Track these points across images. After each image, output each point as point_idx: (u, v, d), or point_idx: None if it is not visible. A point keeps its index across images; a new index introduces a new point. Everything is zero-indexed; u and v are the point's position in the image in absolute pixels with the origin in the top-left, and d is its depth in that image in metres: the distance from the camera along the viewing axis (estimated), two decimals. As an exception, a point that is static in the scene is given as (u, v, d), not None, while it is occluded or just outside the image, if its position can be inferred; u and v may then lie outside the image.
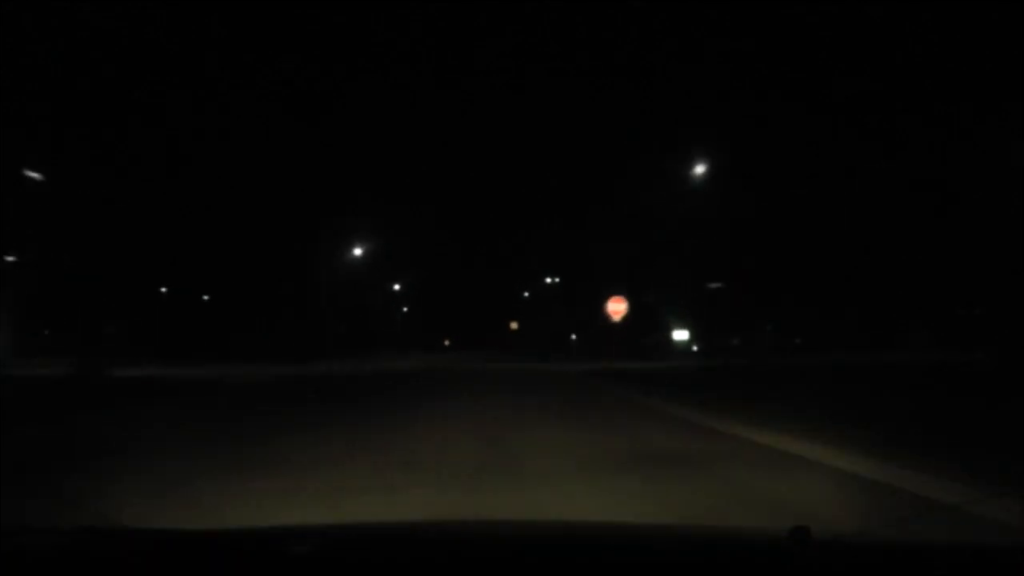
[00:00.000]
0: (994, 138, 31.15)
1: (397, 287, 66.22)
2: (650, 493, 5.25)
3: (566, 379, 21.79)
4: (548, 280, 62.63)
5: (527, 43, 66.42)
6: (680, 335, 72.36)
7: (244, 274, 51.02)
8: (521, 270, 71.82)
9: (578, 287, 58.53)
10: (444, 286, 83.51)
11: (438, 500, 5.02)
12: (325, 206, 51.09)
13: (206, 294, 60.82)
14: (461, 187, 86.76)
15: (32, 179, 26.79)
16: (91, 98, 42.20)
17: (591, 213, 59.81)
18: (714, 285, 35.14)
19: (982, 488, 5.09)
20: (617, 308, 28.89)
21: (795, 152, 47.19)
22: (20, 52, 29.82)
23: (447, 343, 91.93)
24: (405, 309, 78.21)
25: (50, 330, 55.72)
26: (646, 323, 50.22)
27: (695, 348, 68.37)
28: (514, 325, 40.17)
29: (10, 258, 31.18)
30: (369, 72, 66.49)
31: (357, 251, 40.28)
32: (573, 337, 68.55)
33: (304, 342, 41.67)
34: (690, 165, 26.38)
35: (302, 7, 55.02)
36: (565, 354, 52.57)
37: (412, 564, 1.65)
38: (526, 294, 72.76)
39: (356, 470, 6.30)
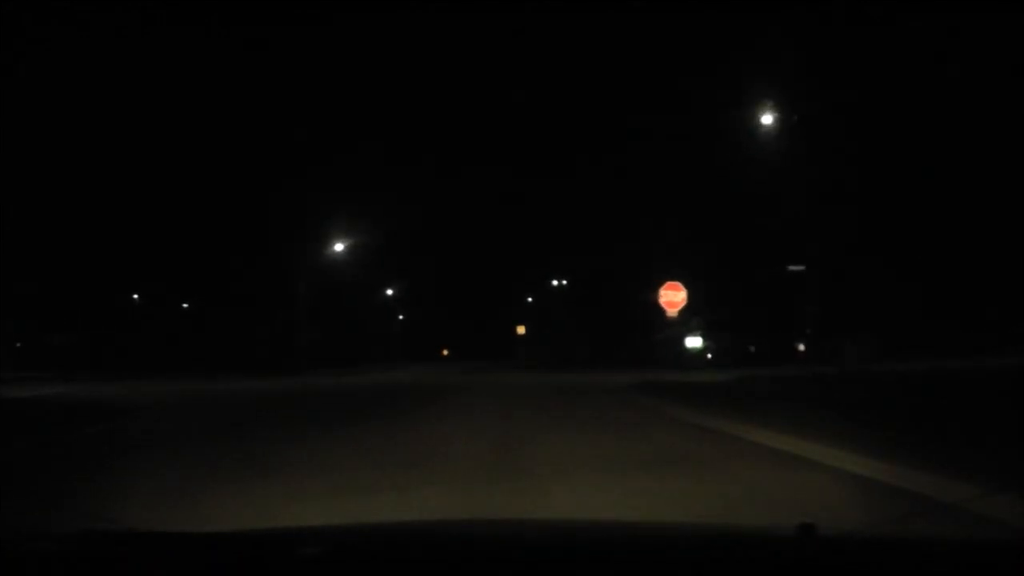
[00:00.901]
0: None
1: (390, 292, 61.41)
2: None
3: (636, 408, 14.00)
4: (555, 283, 57.44)
5: (525, 41, 62.66)
6: (693, 341, 68.56)
7: (220, 278, 46.60)
8: (527, 273, 67.39)
9: (590, 288, 54.09)
10: (442, 291, 79.27)
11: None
12: (308, 207, 46.66)
13: (186, 301, 56.62)
14: (458, 182, 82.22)
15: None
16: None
17: (600, 202, 55.40)
18: (794, 268, 28.62)
19: None
20: (673, 298, 22.22)
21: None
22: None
23: (445, 352, 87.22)
24: (401, 317, 74.17)
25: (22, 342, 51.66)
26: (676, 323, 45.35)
27: (709, 356, 64.47)
28: (521, 329, 35.54)
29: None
30: (364, 49, 62.53)
31: (344, 251, 35.76)
32: (587, 349, 64.28)
33: (282, 353, 37.10)
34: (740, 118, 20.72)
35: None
36: (576, 363, 48.27)
37: (419, 564, 1.65)
38: (529, 299, 68.31)
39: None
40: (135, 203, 45.30)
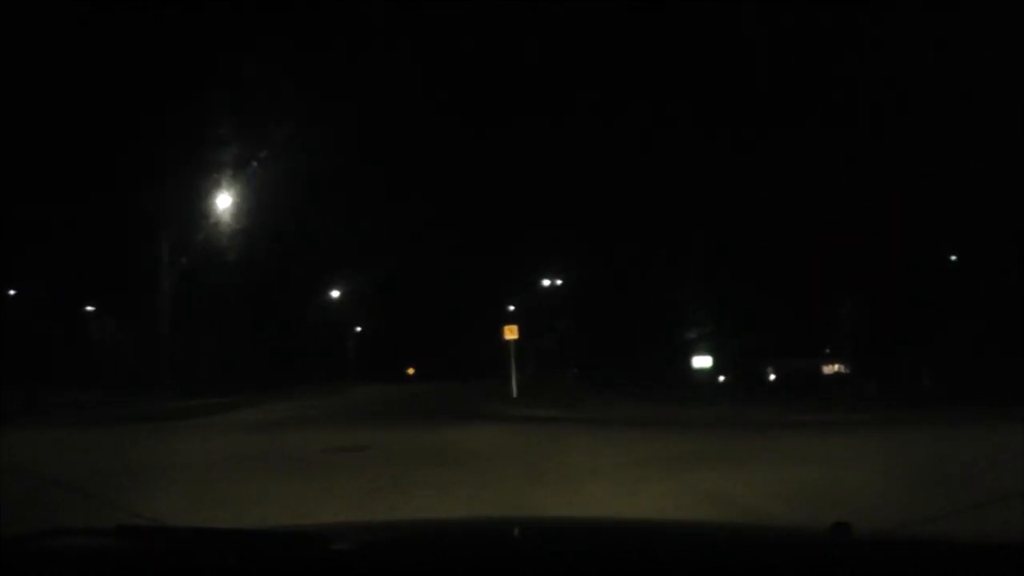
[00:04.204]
0: None
1: (336, 293, 50.17)
2: None
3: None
4: (547, 283, 45.88)
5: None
6: (702, 361, 60.90)
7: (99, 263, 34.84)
8: (513, 272, 57.00)
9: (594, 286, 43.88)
10: (407, 296, 68.30)
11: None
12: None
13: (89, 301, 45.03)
14: (433, 154, 71.06)
15: None
16: None
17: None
18: None
19: None
20: None
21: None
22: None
23: (411, 371, 76.01)
24: (359, 329, 63.05)
25: None
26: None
27: (721, 378, 57.48)
28: (513, 332, 25.94)
29: None
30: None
31: (235, 215, 24.45)
32: (575, 370, 53.75)
33: (142, 367, 26.15)
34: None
35: None
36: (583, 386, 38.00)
37: (451, 561, 1.64)
38: (511, 308, 57.76)
39: None
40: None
